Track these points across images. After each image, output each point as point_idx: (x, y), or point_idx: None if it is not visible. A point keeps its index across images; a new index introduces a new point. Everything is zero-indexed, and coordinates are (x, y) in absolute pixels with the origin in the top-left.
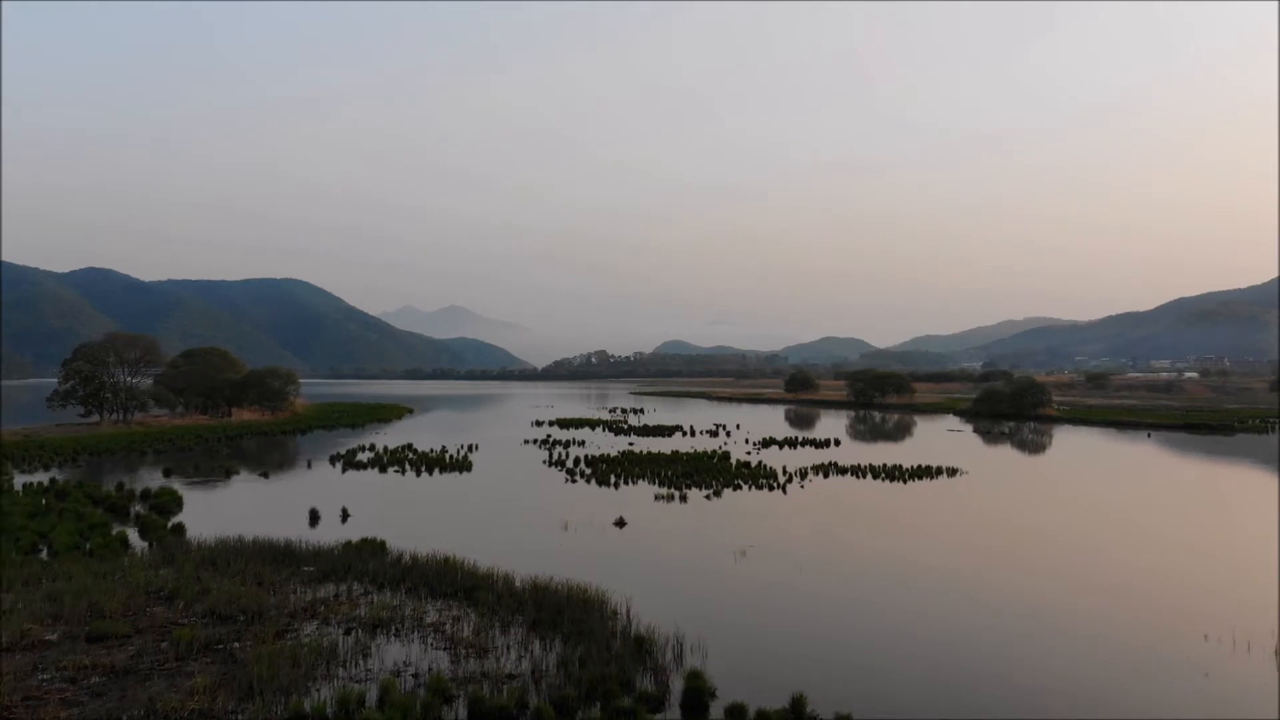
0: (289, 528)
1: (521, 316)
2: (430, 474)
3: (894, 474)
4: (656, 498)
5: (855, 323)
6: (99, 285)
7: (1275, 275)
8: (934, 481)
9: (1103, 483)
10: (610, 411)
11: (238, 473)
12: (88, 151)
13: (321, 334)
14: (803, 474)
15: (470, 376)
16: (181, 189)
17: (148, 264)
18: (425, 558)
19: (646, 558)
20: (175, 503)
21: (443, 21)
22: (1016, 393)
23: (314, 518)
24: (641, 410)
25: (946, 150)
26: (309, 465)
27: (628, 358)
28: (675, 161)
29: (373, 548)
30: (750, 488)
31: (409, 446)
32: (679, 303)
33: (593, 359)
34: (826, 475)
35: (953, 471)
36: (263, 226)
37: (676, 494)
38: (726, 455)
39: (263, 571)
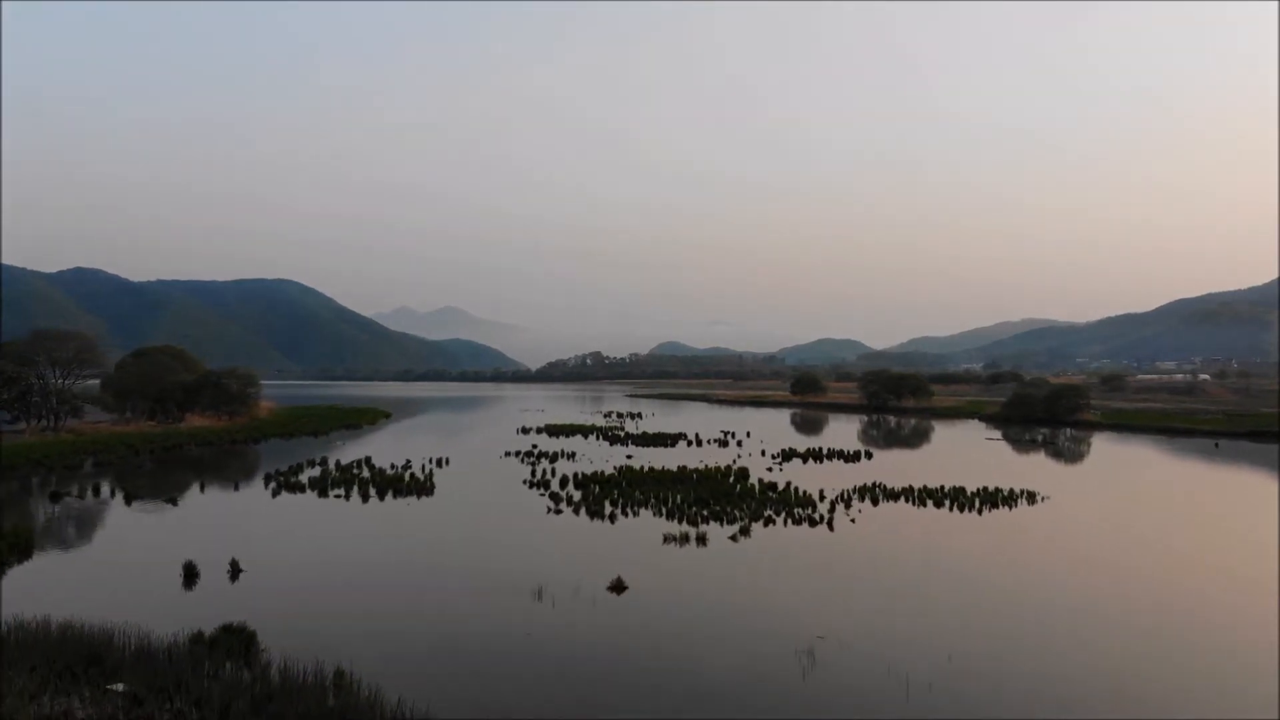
0: (151, 590)
1: (517, 318)
2: (381, 499)
3: (959, 499)
4: (666, 538)
5: (851, 324)
6: (87, 285)
7: (1275, 276)
8: (1014, 511)
9: (1234, 511)
10: (605, 416)
11: (141, 497)
12: (77, 150)
13: (314, 335)
14: (845, 500)
15: (463, 378)
16: (172, 188)
17: (137, 264)
18: (304, 672)
19: (662, 666)
20: (21, 547)
21: (442, 21)
22: (1051, 396)
23: (190, 575)
24: (639, 414)
25: (940, 153)
26: (235, 486)
27: (623, 359)
28: (673, 164)
29: (233, 644)
30: (786, 521)
31: (367, 460)
32: (675, 304)
33: (588, 360)
34: (876, 502)
35: (1031, 496)
36: (255, 227)
37: (692, 531)
38: (745, 473)
39: (25, 704)
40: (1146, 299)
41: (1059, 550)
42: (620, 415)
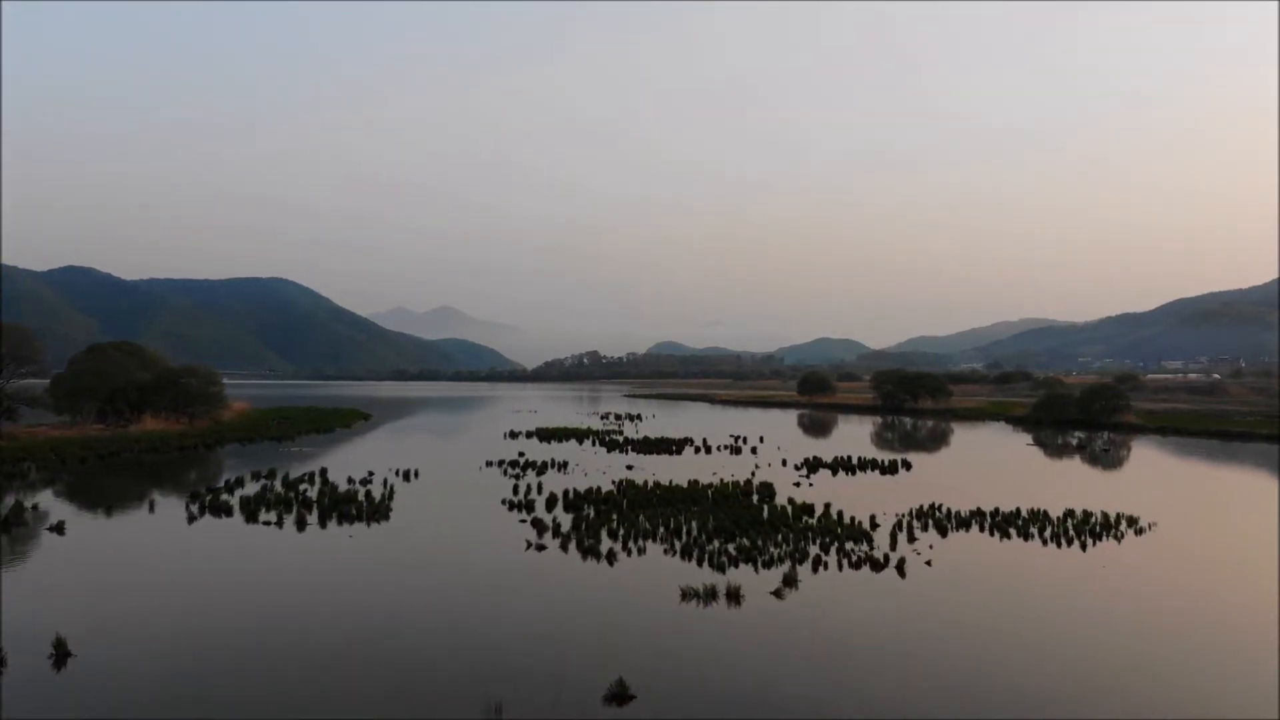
0: None
1: (514, 318)
2: (324, 525)
3: (1046, 527)
4: (685, 594)
5: (849, 324)
6: (79, 284)
7: (1276, 276)
8: (1122, 544)
9: None
10: (602, 418)
11: (24, 523)
12: (69, 146)
13: (309, 334)
14: (906, 529)
15: (458, 378)
16: (167, 186)
17: (130, 262)
18: None
19: None
20: None
21: (441, 20)
22: (1087, 397)
23: None
24: (639, 416)
25: (939, 153)
26: (150, 507)
27: (620, 358)
28: (671, 163)
29: None
30: (839, 561)
31: (322, 473)
32: (672, 304)
33: (584, 360)
34: (943, 531)
35: (1133, 522)
36: (250, 225)
37: (719, 582)
38: (770, 489)
39: None
40: (1145, 299)
41: (1243, 612)
42: (618, 417)
